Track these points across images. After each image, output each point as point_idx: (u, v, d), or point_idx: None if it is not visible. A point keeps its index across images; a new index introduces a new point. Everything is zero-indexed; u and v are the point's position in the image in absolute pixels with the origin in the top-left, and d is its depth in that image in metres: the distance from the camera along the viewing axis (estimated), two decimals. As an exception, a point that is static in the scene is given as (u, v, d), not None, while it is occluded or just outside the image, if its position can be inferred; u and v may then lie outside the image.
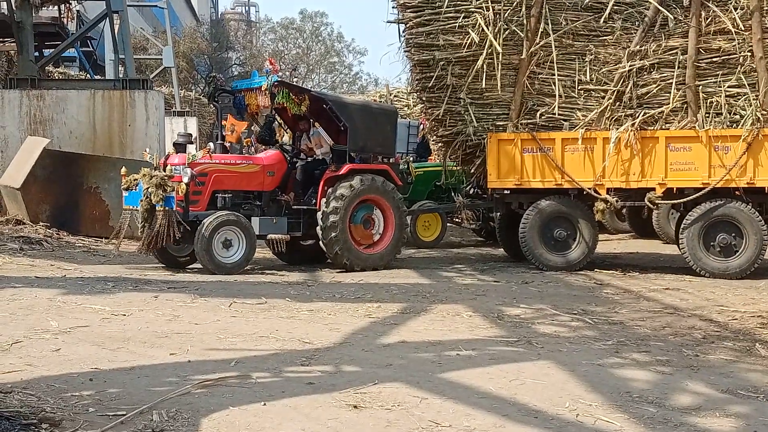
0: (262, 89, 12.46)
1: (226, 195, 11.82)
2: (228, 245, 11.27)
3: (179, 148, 11.86)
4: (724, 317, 8.34)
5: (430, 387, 5.39)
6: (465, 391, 5.36)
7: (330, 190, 11.82)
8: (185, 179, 11.14)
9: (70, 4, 24.34)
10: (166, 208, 10.99)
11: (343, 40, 55.43)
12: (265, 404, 4.94)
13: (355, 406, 4.95)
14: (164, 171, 11.22)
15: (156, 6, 40.24)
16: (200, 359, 6.10)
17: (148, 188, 11.01)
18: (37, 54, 20.94)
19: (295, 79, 42.67)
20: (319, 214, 11.77)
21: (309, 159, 12.77)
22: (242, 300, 8.87)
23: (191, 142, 12.28)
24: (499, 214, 13.51)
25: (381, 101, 24.09)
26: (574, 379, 5.71)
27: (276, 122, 13.24)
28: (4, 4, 19.73)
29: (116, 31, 20.78)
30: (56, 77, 23.41)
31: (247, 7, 72.31)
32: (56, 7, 23.01)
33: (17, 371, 5.54)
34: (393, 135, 13.07)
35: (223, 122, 14.49)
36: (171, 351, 6.35)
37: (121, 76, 19.61)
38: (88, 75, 28.35)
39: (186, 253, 11.92)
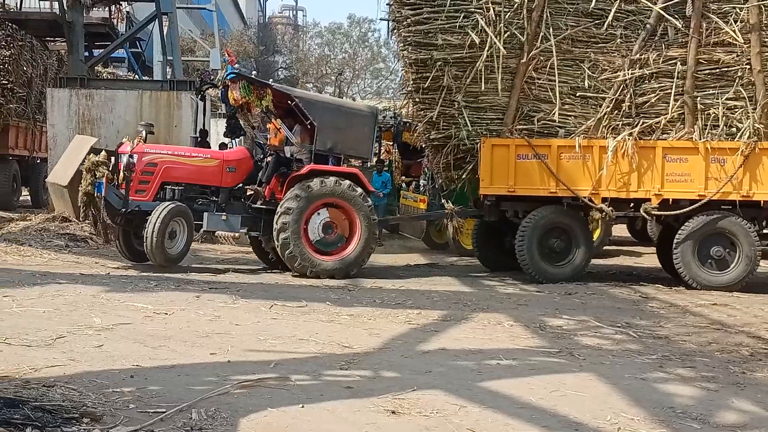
0: (216, 82, 12.23)
1: (177, 187, 11.62)
2: (173, 236, 11.19)
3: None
4: (772, 335, 8.20)
5: (469, 395, 5.38)
6: (504, 400, 5.34)
7: (289, 191, 11.54)
8: (122, 166, 11.17)
9: (120, 5, 24.79)
10: (97, 194, 10.97)
11: (389, 46, 55.59)
12: (303, 407, 4.96)
13: (394, 412, 4.95)
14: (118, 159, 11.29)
15: (204, 8, 40.73)
16: (240, 360, 6.15)
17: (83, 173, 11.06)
18: (87, 54, 21.36)
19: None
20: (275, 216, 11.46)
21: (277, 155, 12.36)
22: (283, 302, 8.92)
23: (152, 132, 12.17)
24: (476, 222, 13.39)
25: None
26: (617, 392, 5.66)
27: (238, 115, 12.90)
28: (56, 4, 20.15)
29: (165, 33, 21.13)
30: (105, 77, 23.80)
31: (294, 11, 72.78)
32: (107, 8, 23.45)
33: (60, 366, 5.65)
34: (370, 137, 12.44)
35: (270, 125, 14.45)
36: (211, 351, 6.41)
37: (168, 77, 19.87)
38: (136, 75, 28.81)
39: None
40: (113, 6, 24.07)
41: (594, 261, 14.22)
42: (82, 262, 11.73)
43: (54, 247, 12.83)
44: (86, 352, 6.14)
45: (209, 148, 12.70)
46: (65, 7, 19.08)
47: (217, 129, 24.49)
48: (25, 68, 20.15)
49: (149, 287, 9.57)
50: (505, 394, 5.47)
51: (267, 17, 68.56)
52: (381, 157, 18.87)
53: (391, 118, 17.98)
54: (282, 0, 73.72)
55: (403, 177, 18.49)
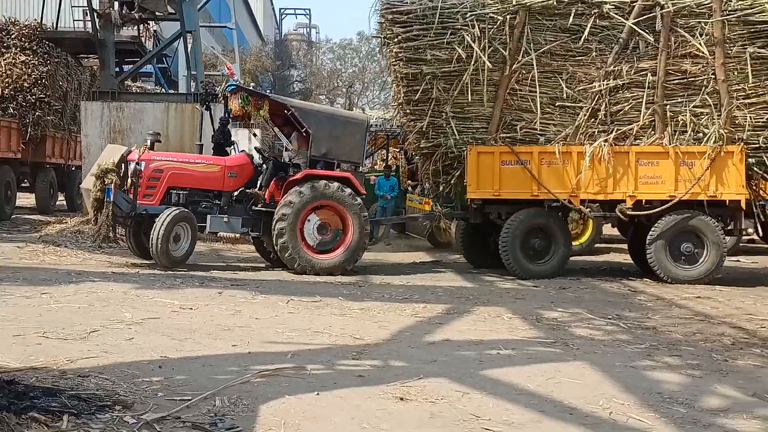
0: (217, 94, 12.15)
1: (182, 192, 11.57)
2: (177, 239, 11.14)
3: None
4: (753, 325, 8.15)
5: (471, 383, 5.37)
6: (504, 387, 5.33)
7: (286, 195, 11.48)
8: (130, 172, 11.12)
9: (148, 24, 24.78)
10: (107, 198, 10.90)
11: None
12: (318, 394, 4.96)
13: (402, 399, 4.95)
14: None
15: (225, 27, 40.71)
16: (259, 351, 6.16)
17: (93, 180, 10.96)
18: (117, 69, 21.35)
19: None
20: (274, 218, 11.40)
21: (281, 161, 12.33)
22: (299, 298, 8.93)
23: (159, 141, 12.12)
24: (462, 223, 13.37)
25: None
26: (608, 379, 5.64)
27: (230, 124, 12.83)
28: (89, 24, 20.18)
29: (189, 50, 21.08)
30: (134, 91, 23.85)
31: (308, 29, 72.75)
32: (136, 27, 23.44)
33: (94, 357, 5.66)
34: (362, 144, 12.39)
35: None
36: (233, 343, 6.42)
37: (192, 90, 19.88)
38: (162, 89, 28.84)
39: None
40: (142, 25, 24.05)
41: (586, 258, 14.26)
42: (114, 262, 11.76)
43: (88, 247, 12.87)
44: (118, 345, 6.15)
45: (227, 154, 12.68)
46: (98, 27, 19.10)
47: (237, 138, 24.49)
48: (60, 83, 20.20)
49: (175, 284, 9.59)
50: (505, 382, 5.46)
51: (283, 34, 68.53)
52: (389, 163, 18.88)
53: (398, 126, 17.96)
54: (297, 18, 73.71)
55: (409, 181, 18.47)
